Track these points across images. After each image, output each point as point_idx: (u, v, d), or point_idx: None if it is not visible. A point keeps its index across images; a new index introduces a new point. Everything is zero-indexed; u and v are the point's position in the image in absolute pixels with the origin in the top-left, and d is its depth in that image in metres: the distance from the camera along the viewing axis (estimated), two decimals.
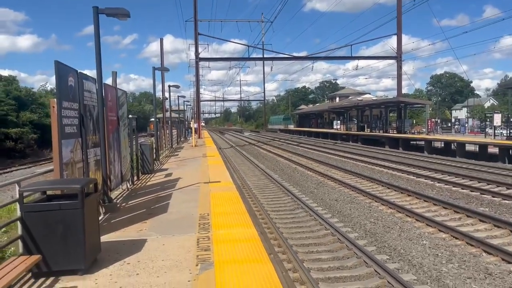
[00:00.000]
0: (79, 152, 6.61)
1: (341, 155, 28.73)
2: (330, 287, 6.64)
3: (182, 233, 6.38)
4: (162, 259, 5.21)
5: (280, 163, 25.08)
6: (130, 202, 9.20)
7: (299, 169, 21.68)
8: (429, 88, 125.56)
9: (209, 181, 11.69)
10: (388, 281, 6.64)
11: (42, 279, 4.69)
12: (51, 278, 4.69)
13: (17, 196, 5.00)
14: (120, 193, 10.39)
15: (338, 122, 55.82)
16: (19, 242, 5.12)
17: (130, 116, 12.16)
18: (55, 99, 5.84)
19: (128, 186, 11.29)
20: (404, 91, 45.72)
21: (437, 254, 7.93)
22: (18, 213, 5.05)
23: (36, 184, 5.31)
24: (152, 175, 14.03)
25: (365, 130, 46.13)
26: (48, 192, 5.19)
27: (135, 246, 5.78)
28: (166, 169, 15.55)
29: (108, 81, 9.65)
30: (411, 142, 34.29)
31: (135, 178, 12.67)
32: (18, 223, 5.07)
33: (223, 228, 6.56)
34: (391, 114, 47.69)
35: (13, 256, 4.43)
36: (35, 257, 4.11)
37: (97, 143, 7.66)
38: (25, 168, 28.07)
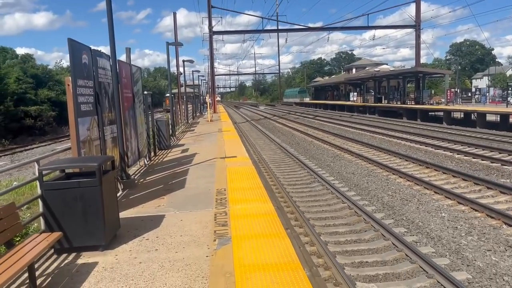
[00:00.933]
0: (96, 130, 6.65)
1: (357, 127, 28.42)
2: (347, 260, 6.64)
3: (199, 209, 6.44)
4: (180, 234, 5.27)
5: (296, 136, 24.98)
6: (147, 178, 9.31)
7: (315, 142, 21.56)
8: (448, 57, 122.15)
9: (225, 156, 11.71)
10: (406, 254, 6.62)
11: (64, 255, 4.81)
12: (73, 254, 4.81)
13: (36, 174, 5.08)
14: (138, 170, 10.51)
15: (355, 94, 54.97)
16: (41, 219, 5.25)
17: (145, 92, 12.15)
18: (70, 77, 5.83)
19: (146, 162, 11.40)
20: (422, 60, 44.66)
21: (456, 227, 7.85)
22: (39, 191, 5.15)
23: (54, 162, 5.38)
24: (169, 150, 14.13)
25: (382, 102, 45.39)
26: (67, 170, 5.25)
27: (154, 222, 5.87)
28: (182, 145, 15.64)
29: (123, 57, 9.60)
30: (430, 113, 33.65)
31: (152, 154, 12.78)
32: (39, 200, 5.18)
33: (240, 203, 6.59)
34: (409, 85, 46.72)
35: (36, 233, 4.53)
36: (57, 234, 4.20)
37: (113, 120, 7.70)
38: (45, 145, 28.63)
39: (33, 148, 26.86)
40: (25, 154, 23.92)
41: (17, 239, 4.99)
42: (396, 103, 41.56)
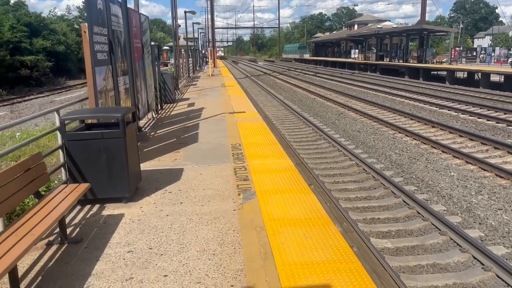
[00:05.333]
0: (111, 80, 6.48)
1: (360, 85, 28.17)
2: (359, 216, 6.73)
3: (217, 163, 6.42)
4: (203, 188, 5.27)
5: (298, 93, 24.76)
6: (158, 132, 9.23)
7: (318, 99, 21.40)
8: (452, 15, 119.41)
9: (234, 111, 11.60)
10: (417, 212, 6.71)
11: (88, 206, 4.81)
12: (97, 206, 4.81)
13: (58, 124, 4.99)
14: (147, 123, 10.41)
15: (356, 51, 54.01)
16: (62, 170, 5.21)
17: (152, 43, 11.81)
18: (86, 24, 5.60)
19: (153, 115, 11.28)
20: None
21: (466, 186, 7.93)
22: (60, 142, 5.07)
23: (76, 112, 5.27)
24: (175, 104, 13.97)
25: (384, 60, 44.76)
26: (89, 120, 5.16)
27: (173, 175, 5.85)
28: (187, 99, 15.45)
29: (131, 5, 9.22)
30: (432, 72, 33.31)
31: (159, 107, 12.63)
32: (60, 151, 5.11)
33: (257, 158, 6.57)
34: (411, 43, 45.88)
35: (62, 184, 4.50)
36: (85, 185, 4.16)
37: (126, 71, 7.50)
38: (43, 96, 28.20)
39: (31, 99, 26.47)
40: (24, 105, 23.60)
41: (42, 189, 4.96)
42: (398, 61, 41.00)
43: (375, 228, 6.31)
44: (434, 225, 6.22)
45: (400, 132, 12.60)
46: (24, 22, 38.55)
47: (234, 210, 4.49)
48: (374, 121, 14.57)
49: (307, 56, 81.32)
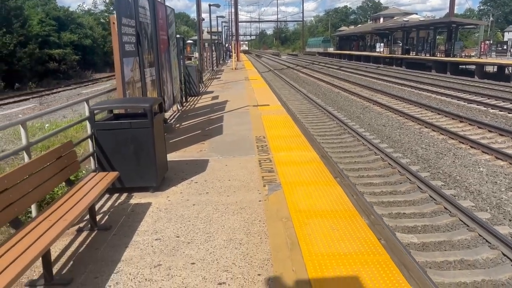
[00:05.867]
0: (138, 72, 6.57)
1: (385, 79, 27.71)
2: (384, 211, 6.64)
3: (242, 155, 6.44)
4: (228, 179, 5.30)
5: (322, 87, 24.55)
6: (183, 124, 9.32)
7: (342, 93, 21.18)
8: (481, 7, 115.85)
9: (258, 104, 11.60)
10: (445, 207, 6.58)
11: (116, 195, 4.90)
12: (125, 194, 4.90)
13: (87, 114, 5.09)
14: (172, 115, 10.53)
15: (381, 44, 53.10)
16: (91, 159, 5.32)
17: (177, 36, 11.90)
18: (115, 15, 5.68)
19: (178, 107, 11.38)
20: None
21: (496, 182, 7.72)
22: (89, 131, 5.18)
23: (105, 102, 5.37)
24: (199, 97, 14.07)
25: (410, 54, 43.86)
26: (117, 111, 5.24)
27: (199, 166, 5.90)
28: (211, 92, 15.54)
29: None
30: (460, 66, 32.46)
31: (184, 100, 12.74)
32: (89, 140, 5.22)
33: (282, 151, 6.56)
34: (438, 37, 44.78)
35: (92, 173, 4.60)
36: (114, 174, 4.25)
37: (152, 62, 7.59)
38: (71, 89, 28.82)
39: (59, 92, 27.08)
40: (52, 97, 24.18)
41: (73, 177, 5.08)
42: (425, 55, 40.11)
43: (401, 223, 6.22)
44: (462, 221, 6.09)
45: (426, 127, 12.35)
46: (53, 16, 39.42)
47: (260, 201, 4.50)
48: (400, 116, 14.32)
49: (331, 50, 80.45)
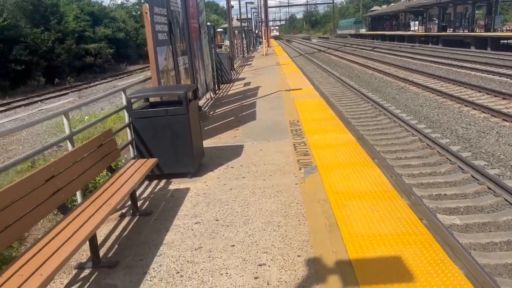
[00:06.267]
0: (171, 60, 6.65)
1: (420, 58, 26.83)
2: (424, 192, 6.48)
3: (276, 139, 6.44)
4: (264, 163, 5.32)
5: (355, 69, 24.07)
6: (217, 111, 9.40)
7: (376, 75, 20.69)
8: None
9: (290, 89, 11.52)
10: (488, 187, 6.34)
11: (155, 181, 5.02)
12: (164, 180, 5.01)
13: (124, 103, 5.21)
14: (205, 102, 10.63)
15: (416, 23, 51.30)
16: (130, 147, 5.47)
17: (208, 23, 11.93)
18: (147, 5, 5.75)
19: (211, 95, 11.48)
20: None
21: None
22: (127, 120, 5.31)
23: (141, 91, 5.48)
24: (231, 84, 14.13)
25: (447, 31, 42.16)
26: (153, 99, 5.34)
27: (234, 151, 5.95)
28: (243, 78, 15.56)
29: None
30: (502, 41, 30.93)
31: (216, 87, 12.82)
32: (127, 129, 5.36)
33: (317, 134, 6.50)
34: (477, 11, 42.75)
35: (132, 160, 4.73)
36: (153, 161, 4.35)
37: (184, 51, 7.66)
38: (107, 82, 29.60)
39: (96, 85, 27.88)
40: (90, 91, 24.94)
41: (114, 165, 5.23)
42: (463, 31, 38.45)
43: (442, 204, 6.05)
44: (508, 201, 5.86)
45: (466, 105, 11.90)
46: (87, 11, 40.42)
47: (296, 184, 4.49)
48: (438, 95, 13.85)
49: (363, 31, 78.50)
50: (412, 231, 3.26)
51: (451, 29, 41.66)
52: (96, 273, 3.12)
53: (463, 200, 6.14)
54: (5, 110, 18.53)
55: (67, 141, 4.06)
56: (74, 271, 3.18)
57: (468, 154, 7.97)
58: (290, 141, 6.26)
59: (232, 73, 17.16)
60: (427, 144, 8.63)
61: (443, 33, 41.21)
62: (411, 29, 52.74)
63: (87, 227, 2.93)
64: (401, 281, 2.63)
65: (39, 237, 2.83)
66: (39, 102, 20.70)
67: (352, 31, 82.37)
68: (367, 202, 3.82)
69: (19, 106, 19.58)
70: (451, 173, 7.15)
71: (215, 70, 12.68)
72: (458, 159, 7.48)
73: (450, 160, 7.59)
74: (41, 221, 4.80)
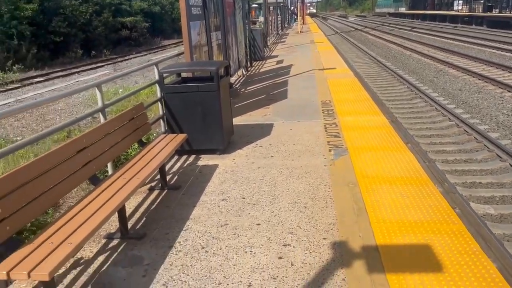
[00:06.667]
0: (204, 35, 6.61)
1: (462, 40, 25.66)
2: (458, 179, 6.27)
3: (307, 119, 6.35)
4: (293, 143, 5.26)
5: (392, 49, 23.32)
6: (248, 88, 9.35)
7: (414, 56, 19.98)
8: None
9: (323, 68, 11.30)
10: None
11: (184, 156, 5.07)
12: (193, 156, 5.05)
13: (157, 77, 5.23)
14: (237, 79, 10.58)
15: (460, 2, 48.91)
16: (161, 122, 5.52)
17: None
18: None
19: (243, 72, 11.41)
20: None
21: None
22: (158, 94, 5.35)
23: (173, 66, 5.49)
24: (264, 62, 13.98)
25: (493, 11, 40.03)
26: (184, 74, 5.34)
27: (263, 130, 5.91)
28: (276, 56, 15.37)
29: None
30: None
31: (248, 64, 12.73)
32: (159, 103, 5.40)
33: (349, 115, 6.36)
34: None
35: (162, 134, 4.77)
36: (183, 136, 4.37)
37: (218, 26, 7.59)
38: (142, 55, 29.91)
39: (131, 59, 28.24)
40: (125, 64, 25.31)
41: (145, 138, 5.32)
42: (510, 12, 36.41)
43: (476, 192, 5.85)
44: None
45: (509, 91, 11.34)
46: None
47: (325, 165, 4.43)
48: (479, 79, 13.26)
49: (403, 9, 75.65)
50: (444, 219, 3.15)
51: (497, 10, 39.49)
52: (124, 244, 3.20)
53: (499, 190, 5.91)
54: (44, 81, 19.10)
55: (100, 113, 4.12)
56: (103, 241, 3.27)
57: (507, 142, 7.64)
58: (321, 121, 6.15)
59: (265, 50, 16.97)
60: (464, 130, 8.32)
61: (489, 13, 39.16)
62: (454, 8, 50.38)
63: (116, 198, 2.98)
64: (429, 271, 2.56)
65: (72, 205, 2.91)
66: (76, 74, 21.21)
67: (391, 10, 79.57)
68: (398, 187, 3.73)
69: (58, 77, 20.14)
70: (488, 161, 6.89)
71: (248, 47, 12.55)
72: (497, 146, 7.18)
73: (487, 147, 7.30)
74: (75, 189, 4.96)
